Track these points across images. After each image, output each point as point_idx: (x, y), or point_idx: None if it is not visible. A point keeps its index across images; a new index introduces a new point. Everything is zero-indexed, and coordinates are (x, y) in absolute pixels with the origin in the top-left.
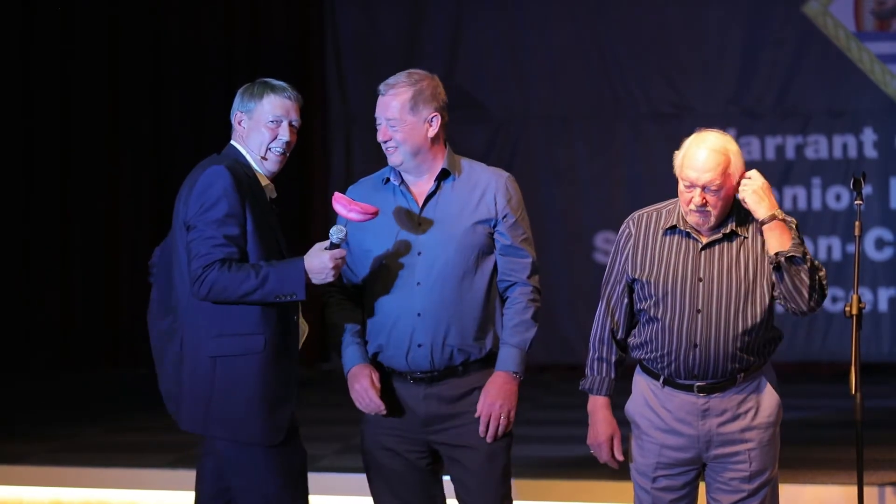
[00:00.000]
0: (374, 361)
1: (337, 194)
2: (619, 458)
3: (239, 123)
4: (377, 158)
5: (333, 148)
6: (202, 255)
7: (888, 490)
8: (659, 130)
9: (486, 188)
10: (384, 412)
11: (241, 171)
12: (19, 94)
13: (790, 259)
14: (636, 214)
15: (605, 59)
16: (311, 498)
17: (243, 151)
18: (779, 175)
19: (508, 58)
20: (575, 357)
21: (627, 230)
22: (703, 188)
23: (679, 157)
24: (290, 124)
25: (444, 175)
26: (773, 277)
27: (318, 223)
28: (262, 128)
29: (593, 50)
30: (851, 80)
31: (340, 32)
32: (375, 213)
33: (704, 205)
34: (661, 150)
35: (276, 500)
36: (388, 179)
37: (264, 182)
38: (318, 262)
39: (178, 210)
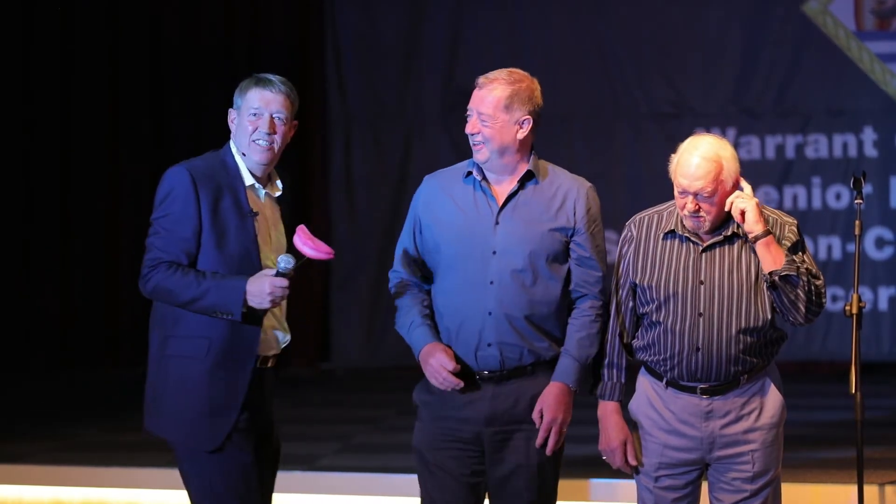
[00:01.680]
0: None
1: (301, 227)
2: (633, 462)
3: (231, 121)
4: (377, 158)
5: (333, 148)
6: (150, 256)
7: (888, 489)
8: (659, 130)
9: (567, 196)
10: (461, 386)
11: (218, 171)
12: (19, 93)
13: (785, 277)
14: (637, 217)
15: (605, 59)
16: (311, 498)
17: (234, 149)
18: (779, 174)
19: (508, 58)
20: None
21: (629, 233)
22: (695, 195)
23: (673, 163)
24: (272, 116)
25: (527, 177)
26: (770, 294)
27: (318, 224)
28: (244, 122)
29: (593, 50)
30: (851, 80)
31: (340, 32)
32: (329, 254)
33: (697, 211)
34: (661, 150)
35: (222, 501)
36: (469, 173)
37: (249, 181)
38: (258, 287)
39: None
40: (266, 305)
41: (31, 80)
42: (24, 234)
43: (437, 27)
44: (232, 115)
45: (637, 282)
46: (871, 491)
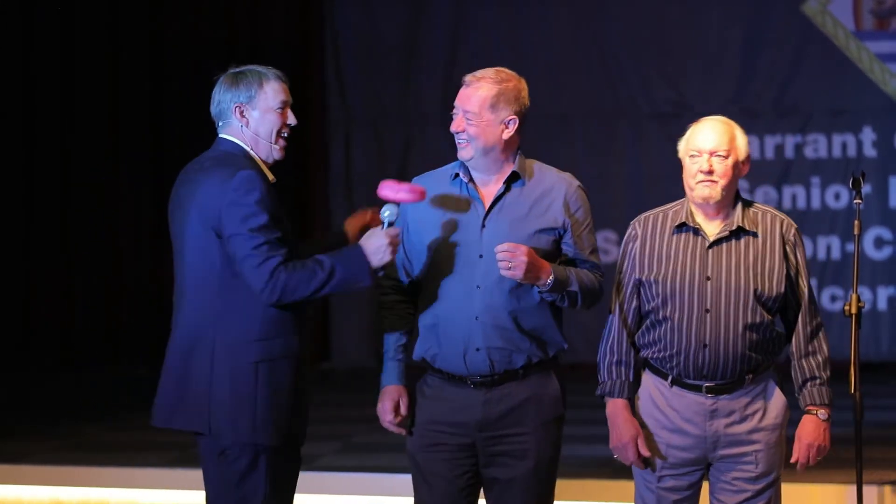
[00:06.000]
0: (430, 364)
1: (384, 181)
2: (646, 454)
3: (241, 115)
4: (377, 158)
5: (333, 148)
6: (262, 263)
7: (887, 489)
8: (659, 130)
9: (556, 196)
10: (403, 433)
11: (257, 167)
12: (20, 94)
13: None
14: (642, 216)
15: (605, 58)
16: (311, 498)
17: (241, 143)
18: (778, 174)
19: (508, 57)
20: (576, 357)
21: (633, 231)
22: (711, 154)
23: (685, 139)
24: (291, 107)
25: (513, 178)
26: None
27: (318, 223)
28: (271, 114)
29: (593, 50)
30: (851, 80)
31: (340, 32)
32: (423, 193)
33: (711, 172)
34: (661, 150)
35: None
36: (456, 175)
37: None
38: (375, 242)
39: (183, 216)
40: (388, 257)
41: (31, 81)
42: (24, 235)
43: (437, 27)
44: (242, 107)
45: (643, 278)
46: (870, 491)
